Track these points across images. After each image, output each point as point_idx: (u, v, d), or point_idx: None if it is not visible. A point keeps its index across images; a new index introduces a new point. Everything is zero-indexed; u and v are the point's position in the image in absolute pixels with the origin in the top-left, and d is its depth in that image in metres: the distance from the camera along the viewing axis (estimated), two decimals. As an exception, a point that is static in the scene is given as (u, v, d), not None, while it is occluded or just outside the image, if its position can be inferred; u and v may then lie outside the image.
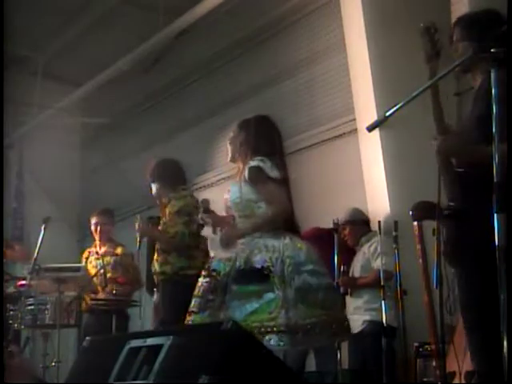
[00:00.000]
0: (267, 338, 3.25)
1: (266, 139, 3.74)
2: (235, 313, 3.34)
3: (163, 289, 4.89)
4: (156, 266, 4.91)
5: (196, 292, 3.54)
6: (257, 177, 3.56)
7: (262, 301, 3.33)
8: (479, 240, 2.65)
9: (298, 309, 3.34)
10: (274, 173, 3.57)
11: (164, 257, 4.86)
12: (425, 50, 2.93)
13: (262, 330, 3.27)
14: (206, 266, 3.61)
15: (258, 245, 3.48)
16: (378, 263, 5.24)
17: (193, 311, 3.48)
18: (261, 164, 3.56)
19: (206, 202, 3.94)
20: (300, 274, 3.43)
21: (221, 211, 3.93)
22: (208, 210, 3.90)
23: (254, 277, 3.39)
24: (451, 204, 2.86)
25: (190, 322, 3.46)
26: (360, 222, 5.61)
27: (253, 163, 3.58)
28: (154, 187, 5.13)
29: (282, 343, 3.27)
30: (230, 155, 3.83)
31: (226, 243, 3.62)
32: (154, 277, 5.00)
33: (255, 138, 3.72)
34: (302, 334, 3.32)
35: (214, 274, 3.49)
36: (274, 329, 3.27)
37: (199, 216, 4.03)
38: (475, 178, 2.70)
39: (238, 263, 3.46)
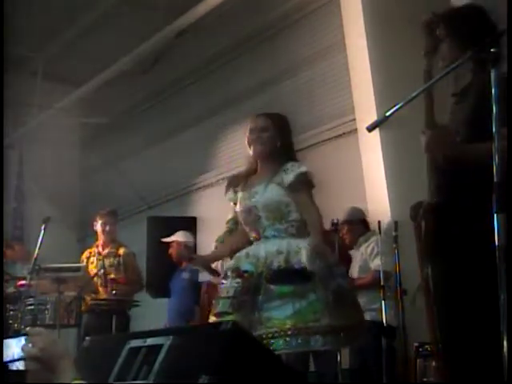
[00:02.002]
0: (313, 339, 3.26)
1: (291, 142, 3.74)
2: (273, 313, 3.30)
3: None
4: None
5: (224, 293, 3.47)
6: (305, 182, 3.54)
7: (305, 301, 3.30)
8: (461, 238, 2.67)
9: (337, 310, 3.35)
10: (313, 179, 3.59)
11: None
12: (426, 44, 2.87)
13: (309, 330, 3.26)
14: (233, 267, 3.55)
15: (293, 246, 3.45)
16: (375, 264, 5.25)
17: (225, 312, 3.39)
18: (308, 170, 3.55)
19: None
20: (334, 277, 3.45)
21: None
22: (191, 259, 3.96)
23: (296, 277, 3.35)
24: (434, 200, 2.85)
25: None
26: (358, 222, 5.60)
27: (302, 168, 3.54)
28: None
29: (327, 344, 3.30)
30: (259, 153, 3.63)
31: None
32: None
33: (290, 139, 3.70)
34: (343, 335, 3.35)
35: (246, 274, 3.43)
36: (320, 329, 3.27)
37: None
38: (461, 177, 2.69)
39: (275, 263, 3.41)
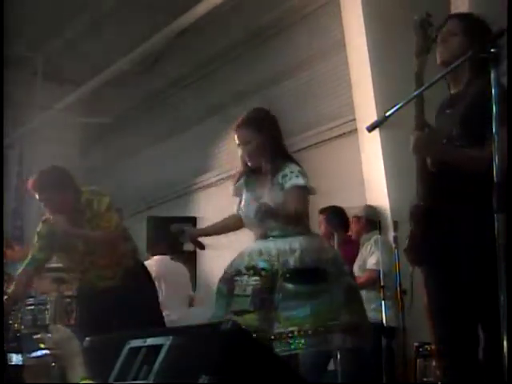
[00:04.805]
0: (329, 337, 3.26)
1: (281, 138, 3.66)
2: (292, 313, 3.29)
3: None
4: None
5: (241, 291, 3.42)
6: (302, 195, 3.48)
7: (321, 301, 3.31)
8: (446, 241, 2.68)
9: (351, 309, 3.36)
10: (309, 184, 3.52)
11: None
12: (417, 44, 2.88)
13: (326, 329, 3.26)
14: (248, 265, 3.47)
15: (304, 245, 3.42)
16: (370, 263, 5.27)
17: (246, 310, 3.34)
18: (306, 182, 3.47)
19: (174, 227, 3.86)
20: (344, 275, 3.45)
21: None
22: (181, 232, 3.82)
23: (312, 276, 3.35)
24: (420, 203, 2.87)
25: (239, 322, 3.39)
26: (364, 220, 5.60)
27: (299, 181, 3.46)
28: None
29: (345, 342, 3.31)
30: (247, 158, 3.58)
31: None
32: None
33: (276, 139, 3.60)
34: (359, 333, 3.36)
35: (264, 272, 3.40)
36: (337, 328, 3.27)
37: (180, 240, 3.89)
38: (449, 180, 2.71)
39: (291, 262, 3.38)
